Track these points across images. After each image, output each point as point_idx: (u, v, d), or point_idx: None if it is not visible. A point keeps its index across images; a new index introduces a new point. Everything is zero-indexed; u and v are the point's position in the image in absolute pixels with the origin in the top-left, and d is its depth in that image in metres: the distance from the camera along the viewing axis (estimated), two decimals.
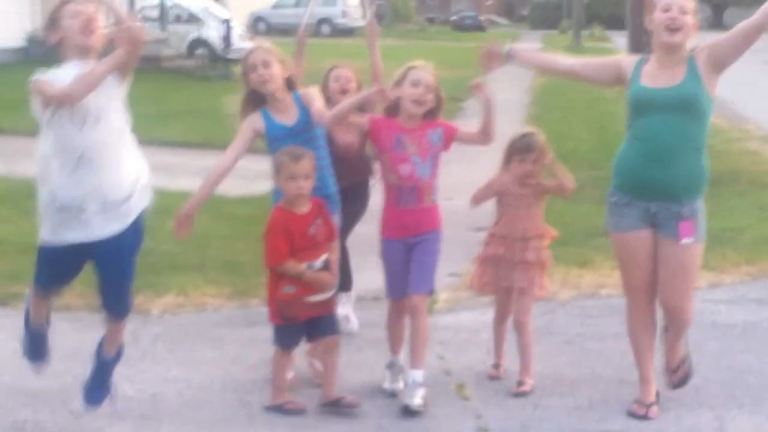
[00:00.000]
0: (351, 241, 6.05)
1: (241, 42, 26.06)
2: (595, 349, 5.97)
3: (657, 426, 4.94)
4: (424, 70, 5.16)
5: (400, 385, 5.24)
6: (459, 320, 6.51)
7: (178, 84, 19.59)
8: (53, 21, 4.51)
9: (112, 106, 4.53)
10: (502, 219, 5.41)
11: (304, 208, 4.98)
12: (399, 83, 5.13)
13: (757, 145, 14.40)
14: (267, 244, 4.94)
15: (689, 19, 4.72)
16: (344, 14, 45.43)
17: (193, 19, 24.87)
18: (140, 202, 4.62)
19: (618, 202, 4.91)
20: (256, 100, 5.26)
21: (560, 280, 7.17)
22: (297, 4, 46.07)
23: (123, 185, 4.52)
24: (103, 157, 4.46)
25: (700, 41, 4.85)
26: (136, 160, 4.64)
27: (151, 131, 13.96)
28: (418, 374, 5.09)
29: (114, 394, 4.99)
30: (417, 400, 5.01)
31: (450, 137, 5.18)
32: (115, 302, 4.79)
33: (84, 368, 5.01)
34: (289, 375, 5.25)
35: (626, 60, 5.04)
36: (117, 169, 4.51)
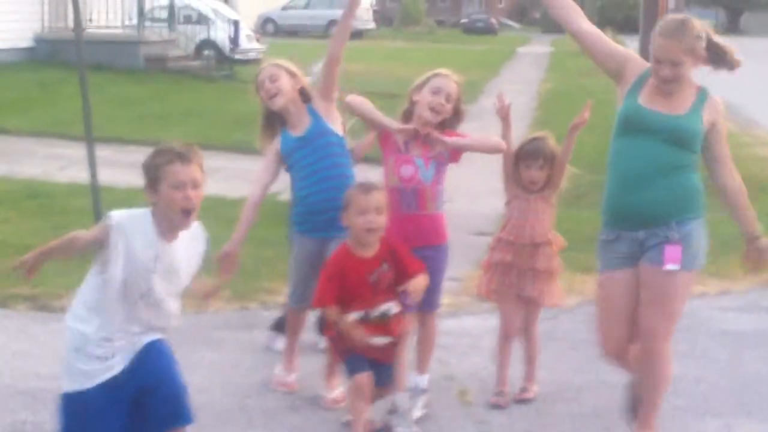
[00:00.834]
0: None
1: (248, 43, 26.13)
2: (599, 355, 5.88)
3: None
4: (448, 79, 4.97)
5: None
6: (461, 325, 6.42)
7: (183, 85, 19.58)
8: (152, 179, 3.84)
9: None
10: (508, 224, 5.27)
11: (371, 250, 4.60)
12: (419, 88, 4.97)
13: (766, 150, 14.32)
14: (318, 282, 4.66)
15: (683, 69, 4.32)
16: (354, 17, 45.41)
17: (202, 20, 24.88)
18: None
19: (606, 239, 4.57)
20: (274, 121, 5.20)
21: (565, 286, 7.04)
22: (306, 6, 46.21)
23: None
24: None
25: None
26: None
27: (154, 131, 14.04)
28: (422, 379, 5.04)
29: None
30: (416, 412, 4.94)
31: (458, 152, 4.98)
32: None
33: None
34: (366, 412, 4.68)
35: (634, 62, 4.60)
36: None
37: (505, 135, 5.19)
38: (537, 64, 32.67)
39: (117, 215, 3.78)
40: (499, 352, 5.36)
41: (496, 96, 5.26)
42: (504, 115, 5.20)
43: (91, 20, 20.13)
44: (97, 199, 8.28)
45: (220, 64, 22.96)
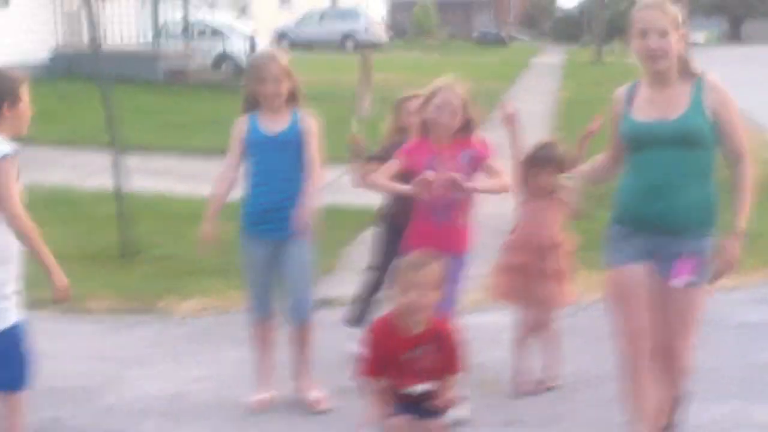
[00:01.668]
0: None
1: None
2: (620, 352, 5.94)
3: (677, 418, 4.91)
4: (451, 92, 4.90)
5: None
6: (482, 321, 6.48)
7: (202, 95, 19.74)
8: None
9: None
10: (519, 227, 5.35)
11: (415, 328, 4.17)
12: (426, 104, 4.93)
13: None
14: (361, 349, 4.40)
15: (671, 41, 4.15)
16: (367, 30, 45.76)
17: (217, 34, 25.18)
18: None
19: (619, 233, 4.38)
20: (253, 105, 5.12)
21: (583, 283, 7.14)
22: (321, 21, 46.42)
23: None
24: None
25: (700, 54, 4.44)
26: None
27: (177, 140, 14.19)
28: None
29: None
30: (463, 411, 4.95)
31: (479, 161, 4.96)
32: None
33: (105, 369, 5.03)
34: None
35: (617, 97, 4.44)
36: None
37: (513, 142, 5.24)
38: (551, 74, 32.69)
39: None
40: (517, 349, 5.49)
41: (502, 105, 5.28)
42: (510, 123, 5.21)
43: (105, 37, 20.32)
44: (122, 206, 8.43)
45: (237, 76, 23.17)
